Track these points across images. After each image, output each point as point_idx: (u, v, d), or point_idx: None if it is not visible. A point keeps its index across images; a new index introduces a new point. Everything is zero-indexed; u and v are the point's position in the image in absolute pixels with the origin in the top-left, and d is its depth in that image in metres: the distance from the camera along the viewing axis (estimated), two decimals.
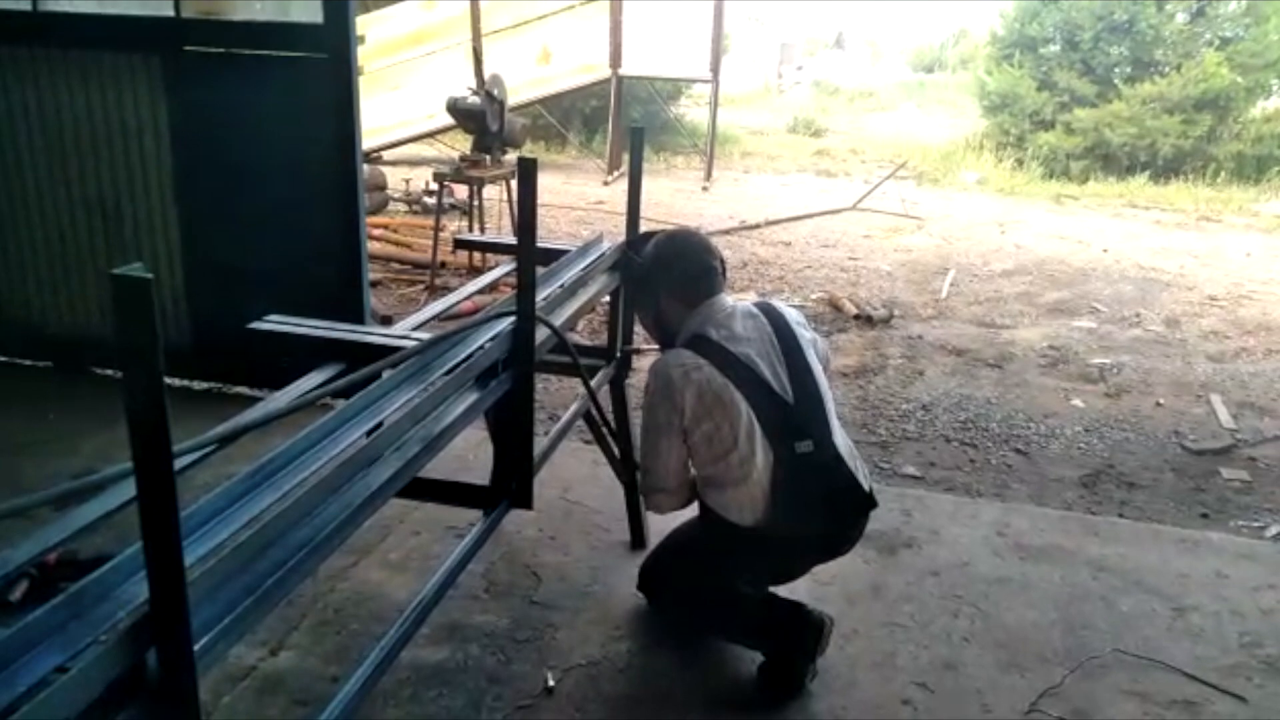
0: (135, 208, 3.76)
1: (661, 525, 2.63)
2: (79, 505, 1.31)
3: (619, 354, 2.85)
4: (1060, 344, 5.40)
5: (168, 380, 0.97)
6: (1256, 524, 3.37)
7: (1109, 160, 12.20)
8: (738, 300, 2.37)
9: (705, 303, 2.30)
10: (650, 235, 2.55)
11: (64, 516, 1.31)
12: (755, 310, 2.33)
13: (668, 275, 2.35)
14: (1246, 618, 2.71)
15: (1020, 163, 12.34)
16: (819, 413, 2.24)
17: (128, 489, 1.24)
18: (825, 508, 2.22)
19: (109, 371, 3.95)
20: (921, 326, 5.63)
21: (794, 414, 2.19)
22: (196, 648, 1.06)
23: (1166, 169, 11.91)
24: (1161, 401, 4.57)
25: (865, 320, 5.60)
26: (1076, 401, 4.53)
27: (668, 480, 2.29)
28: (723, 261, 2.40)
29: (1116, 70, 12.60)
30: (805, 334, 2.34)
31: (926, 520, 3.18)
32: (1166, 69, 12.20)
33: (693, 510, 2.41)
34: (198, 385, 3.92)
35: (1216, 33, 12.46)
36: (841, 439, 2.27)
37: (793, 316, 2.36)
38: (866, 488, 2.27)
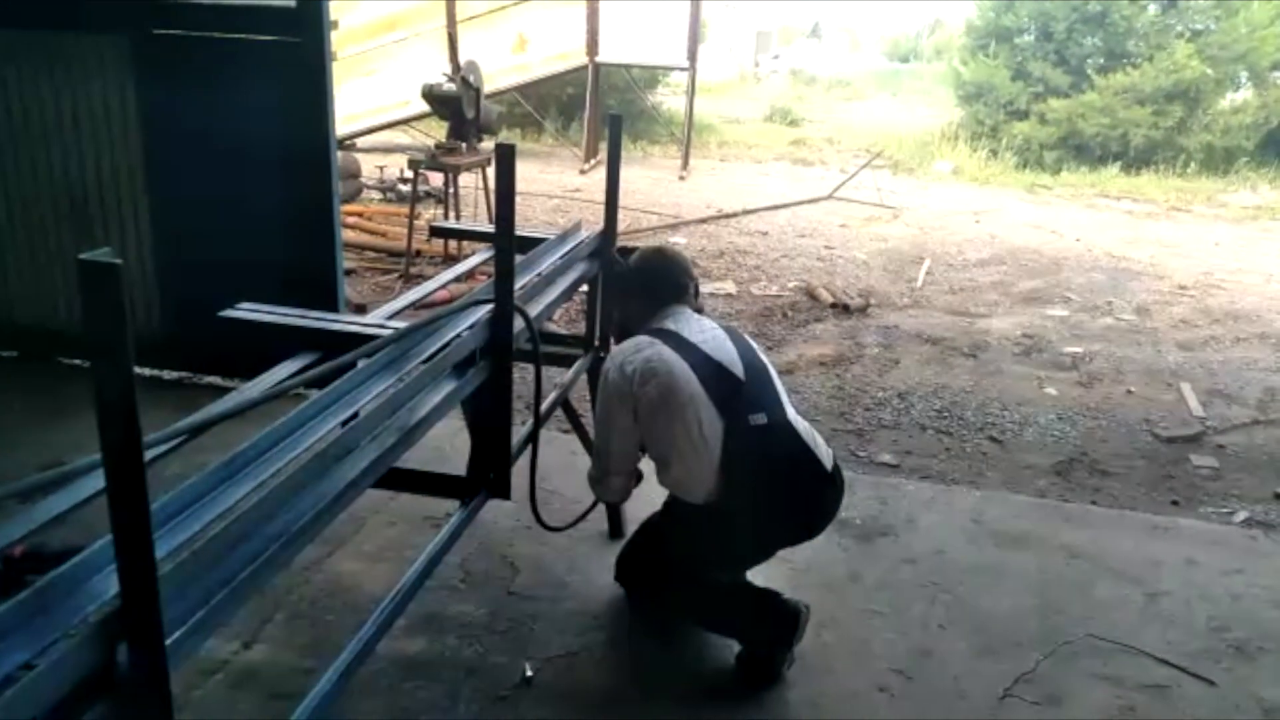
0: (104, 193, 3.69)
1: (638, 515, 2.63)
2: (47, 497, 1.28)
3: (596, 344, 2.84)
4: (1034, 332, 5.45)
5: (138, 370, 0.95)
6: (1225, 510, 3.42)
7: (1082, 150, 12.32)
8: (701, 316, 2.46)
9: (668, 308, 2.39)
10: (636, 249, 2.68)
11: (31, 508, 1.28)
12: (715, 322, 2.44)
13: (641, 280, 2.47)
14: (1216, 602, 2.75)
15: (994, 153, 12.42)
16: (772, 392, 2.30)
17: (97, 480, 1.21)
18: (780, 480, 2.23)
19: (77, 361, 3.88)
20: (897, 315, 5.65)
21: (746, 389, 2.25)
22: (168, 643, 1.04)
23: (1138, 159, 12.04)
24: (1133, 389, 4.63)
25: (842, 309, 5.62)
26: (1050, 390, 4.57)
27: (620, 461, 2.36)
28: (696, 284, 2.52)
29: (1089, 61, 12.70)
30: (756, 345, 2.46)
31: (902, 508, 3.20)
32: (1138, 60, 12.32)
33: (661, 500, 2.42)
34: (169, 375, 3.87)
35: (1187, 25, 12.59)
36: (796, 417, 2.31)
37: (745, 333, 2.49)
38: (829, 466, 2.29)
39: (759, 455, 2.20)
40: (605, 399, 2.31)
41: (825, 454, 2.30)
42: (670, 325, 2.32)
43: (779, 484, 2.22)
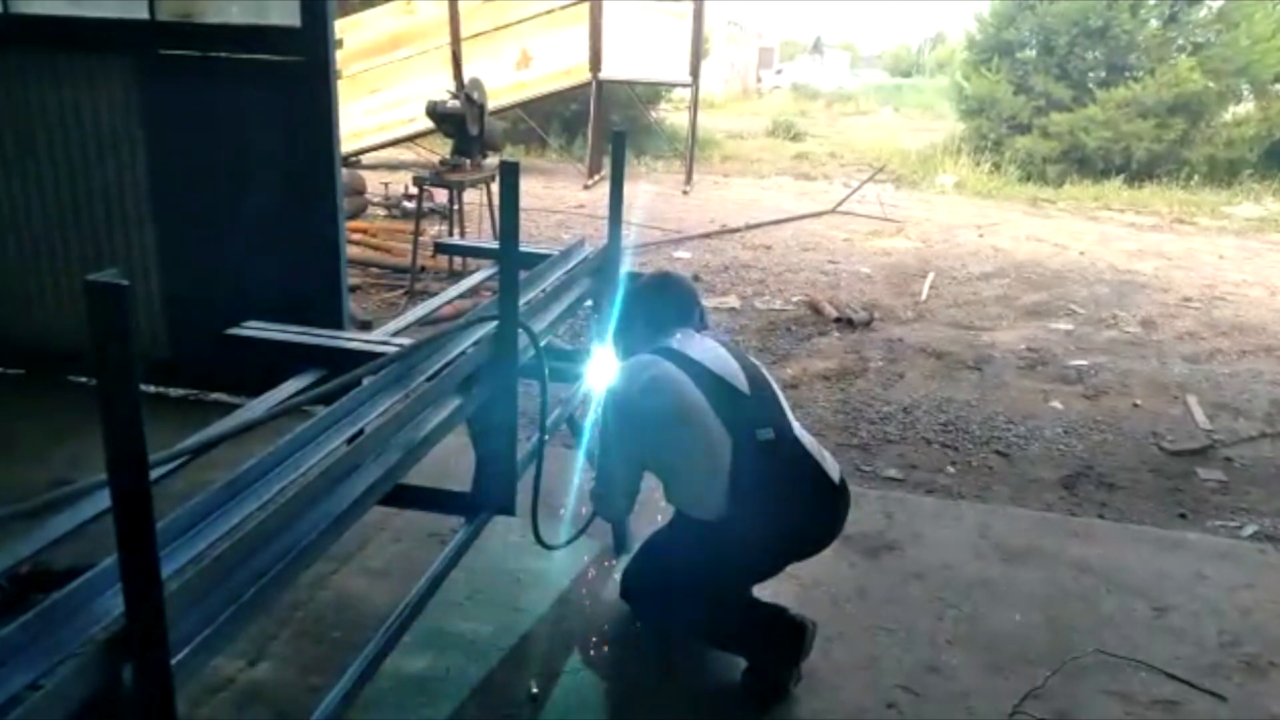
0: (110, 212, 3.71)
1: (643, 531, 2.62)
2: (53, 516, 1.29)
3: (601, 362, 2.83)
4: (1039, 346, 5.44)
5: (143, 387, 0.95)
6: (1233, 524, 3.40)
7: (1084, 164, 12.34)
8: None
9: (671, 330, 2.39)
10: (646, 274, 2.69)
11: (37, 527, 1.28)
12: (714, 337, 2.45)
13: (646, 304, 2.47)
14: (1225, 617, 2.73)
15: (997, 166, 12.45)
16: (776, 406, 2.30)
17: (103, 499, 1.21)
18: (789, 494, 2.23)
19: (84, 379, 3.89)
20: (902, 329, 5.65)
21: (751, 404, 2.25)
22: (174, 662, 1.04)
23: (1141, 172, 12.05)
24: (1139, 403, 4.61)
25: (846, 323, 5.62)
26: (1055, 403, 4.56)
27: (624, 479, 2.35)
28: (702, 309, 2.52)
29: (1091, 75, 12.75)
30: (759, 361, 2.46)
31: (909, 523, 3.18)
32: (1140, 74, 12.36)
33: (668, 516, 2.42)
34: (174, 392, 3.87)
35: (1189, 38, 12.65)
36: (803, 432, 2.31)
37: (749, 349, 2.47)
38: (836, 479, 2.28)
39: (767, 470, 2.20)
40: (608, 416, 2.31)
41: (832, 467, 2.30)
42: (673, 344, 2.32)
43: (788, 498, 2.22)
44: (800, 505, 2.25)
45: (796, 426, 2.30)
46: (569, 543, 2.64)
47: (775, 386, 2.37)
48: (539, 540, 2.41)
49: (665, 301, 2.46)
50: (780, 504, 2.21)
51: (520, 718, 2.20)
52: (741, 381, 2.26)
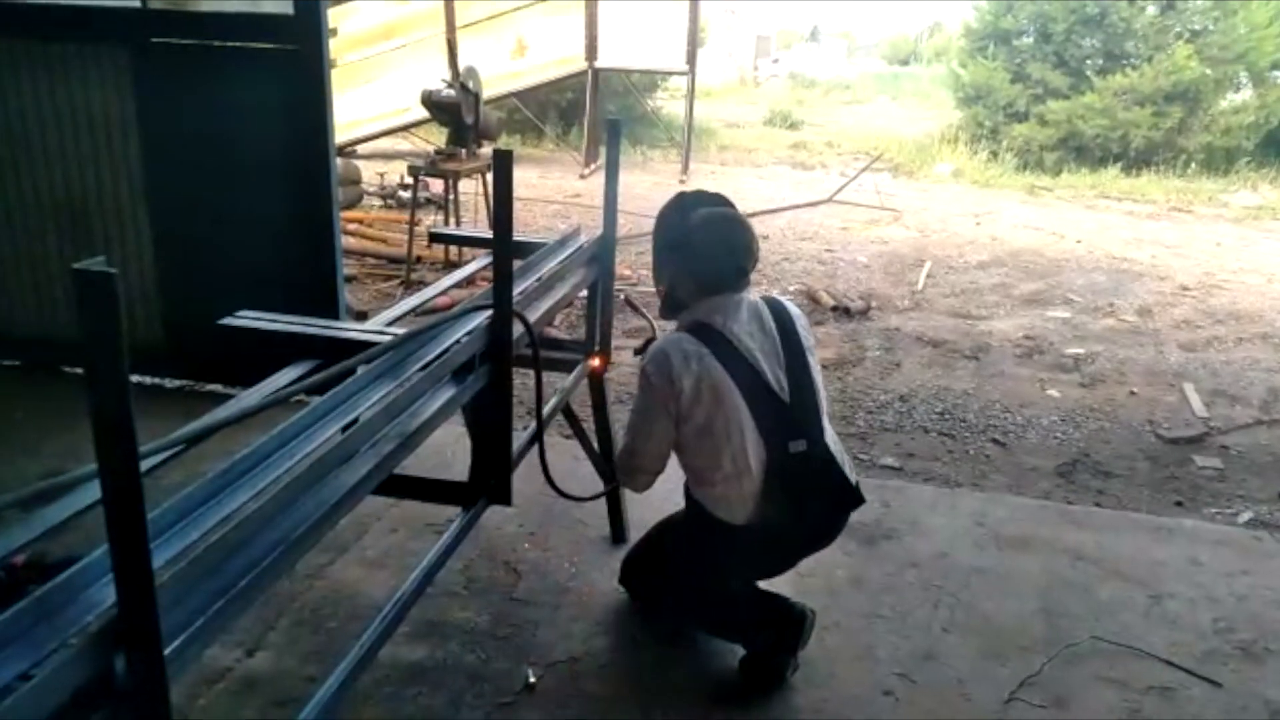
0: (104, 203, 3.69)
1: (641, 519, 2.62)
2: (46, 506, 1.28)
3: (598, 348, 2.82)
4: (1035, 334, 5.44)
5: (139, 378, 0.95)
6: (1229, 511, 3.41)
7: (1082, 152, 12.30)
8: (750, 297, 2.31)
9: (721, 295, 2.26)
10: (704, 196, 2.40)
11: (30, 518, 1.27)
12: (764, 308, 2.29)
13: (699, 255, 2.26)
14: (1221, 603, 2.74)
15: (994, 155, 12.41)
16: (814, 413, 2.24)
17: (97, 489, 1.21)
18: (816, 506, 2.24)
19: (78, 370, 3.87)
20: (899, 318, 5.65)
21: (789, 413, 2.20)
22: (167, 652, 1.03)
23: (1138, 160, 12.02)
24: (1135, 390, 4.62)
25: (843, 312, 5.61)
26: (1052, 391, 4.56)
27: (653, 462, 2.31)
28: (755, 260, 2.32)
29: (1089, 62, 12.70)
30: (808, 339, 2.32)
31: (906, 511, 3.19)
32: (1138, 61, 12.31)
33: (675, 503, 2.41)
34: (170, 383, 3.86)
35: (1186, 25, 12.58)
36: (831, 436, 2.29)
37: (798, 317, 2.34)
38: (854, 482, 2.28)
39: (797, 483, 2.19)
40: (647, 400, 2.23)
41: (851, 471, 2.29)
42: (718, 322, 2.21)
43: (811, 506, 2.23)
44: (821, 512, 2.27)
45: (828, 432, 2.26)
46: (590, 499, 2.63)
47: (815, 375, 2.28)
48: (552, 485, 2.32)
49: (723, 255, 2.25)
50: (806, 513, 2.23)
51: (518, 706, 2.20)
52: (783, 385, 2.20)
